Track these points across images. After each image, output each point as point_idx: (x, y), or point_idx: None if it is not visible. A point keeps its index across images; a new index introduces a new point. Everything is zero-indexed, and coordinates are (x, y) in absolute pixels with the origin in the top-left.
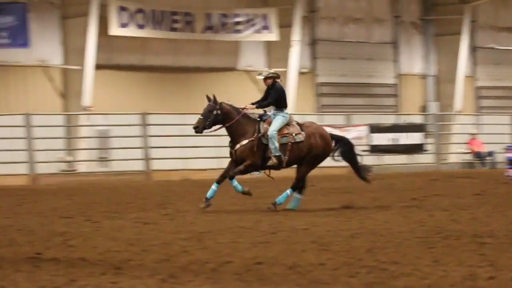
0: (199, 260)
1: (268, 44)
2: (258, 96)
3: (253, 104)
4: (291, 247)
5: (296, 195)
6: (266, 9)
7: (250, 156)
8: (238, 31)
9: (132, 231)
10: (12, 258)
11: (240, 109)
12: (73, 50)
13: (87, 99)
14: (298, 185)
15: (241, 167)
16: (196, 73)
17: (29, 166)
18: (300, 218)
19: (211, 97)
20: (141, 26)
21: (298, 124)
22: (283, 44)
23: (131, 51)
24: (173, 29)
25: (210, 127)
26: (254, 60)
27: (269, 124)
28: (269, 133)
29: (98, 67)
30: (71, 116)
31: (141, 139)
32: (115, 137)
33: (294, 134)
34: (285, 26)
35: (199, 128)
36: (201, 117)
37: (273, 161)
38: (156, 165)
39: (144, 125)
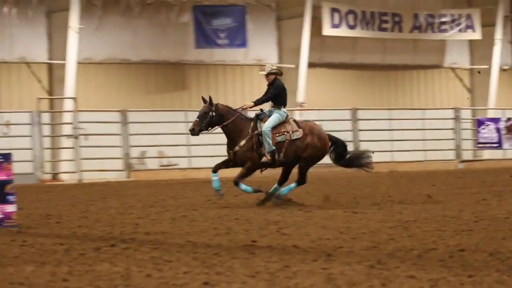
0: (405, 247)
1: (472, 43)
2: (463, 92)
3: (252, 102)
4: (492, 235)
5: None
6: (470, 10)
7: (250, 157)
8: (443, 31)
9: (342, 219)
10: (229, 246)
11: (237, 109)
12: (287, 49)
13: (301, 95)
14: (304, 180)
15: (243, 170)
16: (404, 70)
17: None
18: (502, 207)
19: (207, 99)
20: (352, 27)
21: (296, 122)
22: (486, 43)
23: (342, 50)
24: (382, 29)
25: (206, 129)
26: (458, 58)
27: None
28: (263, 130)
29: (311, 65)
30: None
31: (351, 133)
32: (326, 131)
33: (291, 132)
34: (487, 25)
35: (195, 131)
36: (197, 119)
37: (266, 158)
38: None
39: (354, 120)
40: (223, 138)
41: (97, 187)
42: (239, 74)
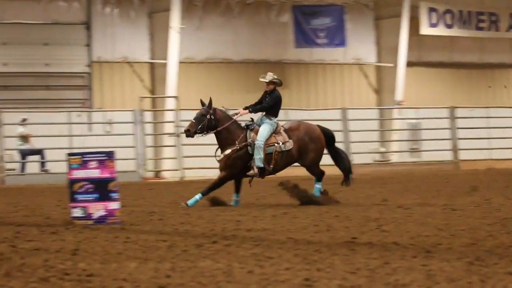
0: (504, 244)
1: None
2: None
3: (245, 108)
4: None
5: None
6: None
7: (230, 167)
8: None
9: (441, 217)
10: (330, 242)
11: (232, 115)
12: (386, 48)
13: (399, 94)
14: (320, 173)
15: (214, 182)
16: (500, 69)
17: None
18: None
19: (205, 102)
20: (449, 26)
21: (285, 131)
22: None
23: (439, 49)
24: (479, 28)
25: (202, 132)
26: None
27: (257, 133)
28: (256, 143)
29: (409, 64)
30: (384, 110)
31: (450, 131)
32: (425, 129)
33: (281, 143)
34: None
35: (190, 132)
36: (193, 121)
37: (254, 171)
38: (463, 155)
39: (452, 118)
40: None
41: (199, 184)
42: (338, 73)
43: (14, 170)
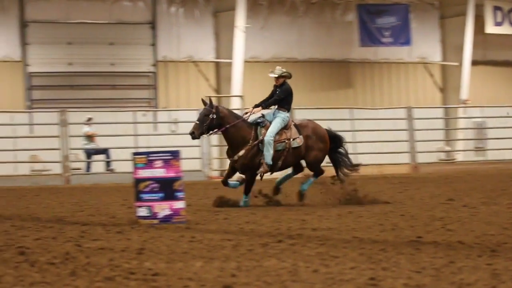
0: None
1: None
2: None
3: (256, 106)
4: None
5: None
6: None
7: (250, 167)
8: None
9: (506, 215)
10: (395, 241)
11: (244, 115)
12: (451, 47)
13: (464, 93)
14: (319, 172)
15: (246, 183)
16: None
17: (411, 156)
18: None
19: (207, 101)
20: None
21: (296, 126)
22: None
23: (505, 47)
24: None
25: (207, 132)
26: None
27: (267, 129)
28: (265, 138)
29: (474, 63)
30: (449, 109)
31: None
32: (490, 128)
33: (291, 139)
34: None
35: (195, 134)
36: (197, 122)
37: (264, 168)
38: None
39: None
40: (386, 136)
41: (264, 184)
42: (403, 72)
43: (79, 169)
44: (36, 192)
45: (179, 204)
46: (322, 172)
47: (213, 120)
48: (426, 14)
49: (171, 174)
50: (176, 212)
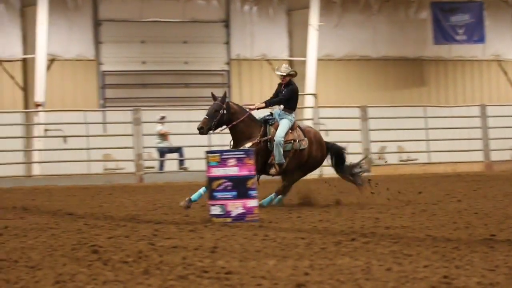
0: None
1: None
2: None
3: (264, 102)
4: None
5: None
6: None
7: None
8: None
9: None
10: (468, 240)
11: (248, 109)
12: None
13: None
14: (287, 191)
15: None
16: None
17: (484, 154)
18: None
19: (217, 95)
20: None
21: (300, 129)
22: None
23: None
24: None
25: (216, 128)
26: None
27: (276, 128)
28: (276, 139)
29: None
30: None
31: None
32: None
33: (297, 141)
34: None
35: (203, 129)
36: (206, 117)
37: (276, 169)
38: None
39: None
40: (459, 134)
41: (336, 182)
42: (477, 70)
43: (153, 168)
44: (109, 190)
45: (252, 203)
46: (288, 188)
47: (223, 115)
48: (500, 12)
49: (244, 173)
50: (249, 211)
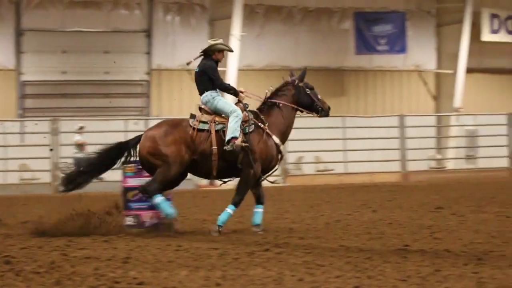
0: None
1: None
2: None
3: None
4: None
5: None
6: None
7: None
8: None
9: (495, 224)
10: (381, 250)
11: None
12: (446, 55)
13: (458, 100)
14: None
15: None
16: None
17: (402, 164)
18: None
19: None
20: (511, 32)
21: None
22: None
23: (500, 55)
24: None
25: None
26: None
27: None
28: None
29: (469, 70)
30: (442, 117)
31: (507, 137)
32: (482, 136)
33: None
34: None
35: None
36: None
37: None
38: None
39: (510, 125)
40: (377, 144)
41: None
42: (397, 80)
43: None
44: (24, 201)
45: None
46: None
47: None
48: (423, 22)
49: None
50: (163, 221)
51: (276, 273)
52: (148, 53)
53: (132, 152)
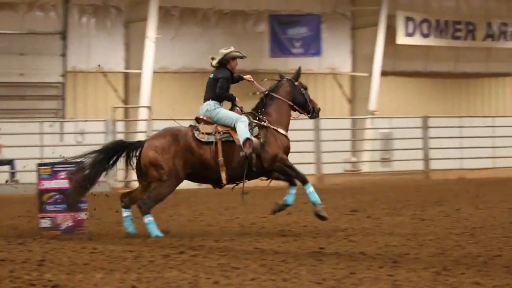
0: (471, 254)
1: None
2: None
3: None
4: None
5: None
6: None
7: None
8: None
9: (410, 226)
10: (297, 253)
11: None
12: (361, 58)
13: (373, 103)
14: None
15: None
16: (476, 78)
17: (317, 167)
18: None
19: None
20: (425, 35)
21: None
22: None
23: (415, 58)
24: (456, 38)
25: None
26: None
27: None
28: None
29: (384, 73)
30: (357, 120)
31: (422, 140)
32: (397, 139)
33: None
34: None
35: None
36: None
37: None
38: (434, 165)
39: (425, 127)
40: (292, 146)
41: (173, 195)
42: (312, 82)
43: None
44: None
45: (82, 216)
46: None
47: None
48: (338, 25)
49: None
50: (79, 224)
51: (192, 276)
52: (63, 55)
53: (131, 155)
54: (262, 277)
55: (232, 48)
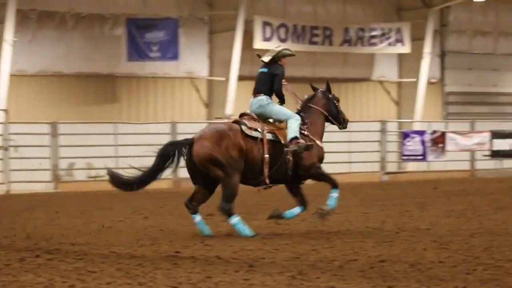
0: (327, 258)
1: (400, 56)
2: (390, 105)
3: None
4: (413, 246)
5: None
6: (400, 23)
7: None
8: (373, 44)
9: (266, 231)
10: (153, 256)
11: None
12: (218, 62)
13: (229, 108)
14: None
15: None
16: (333, 83)
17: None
18: (424, 219)
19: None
20: (283, 40)
21: None
22: (415, 56)
23: None
24: (313, 43)
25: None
26: (387, 71)
27: None
28: None
29: (241, 78)
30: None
31: None
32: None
33: None
34: (417, 39)
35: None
36: None
37: None
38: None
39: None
40: (146, 150)
41: (25, 198)
42: (170, 86)
43: None
44: None
45: None
46: None
47: None
48: (196, 29)
49: None
50: None
51: (47, 280)
52: None
53: (183, 153)
54: (118, 281)
55: (283, 46)
